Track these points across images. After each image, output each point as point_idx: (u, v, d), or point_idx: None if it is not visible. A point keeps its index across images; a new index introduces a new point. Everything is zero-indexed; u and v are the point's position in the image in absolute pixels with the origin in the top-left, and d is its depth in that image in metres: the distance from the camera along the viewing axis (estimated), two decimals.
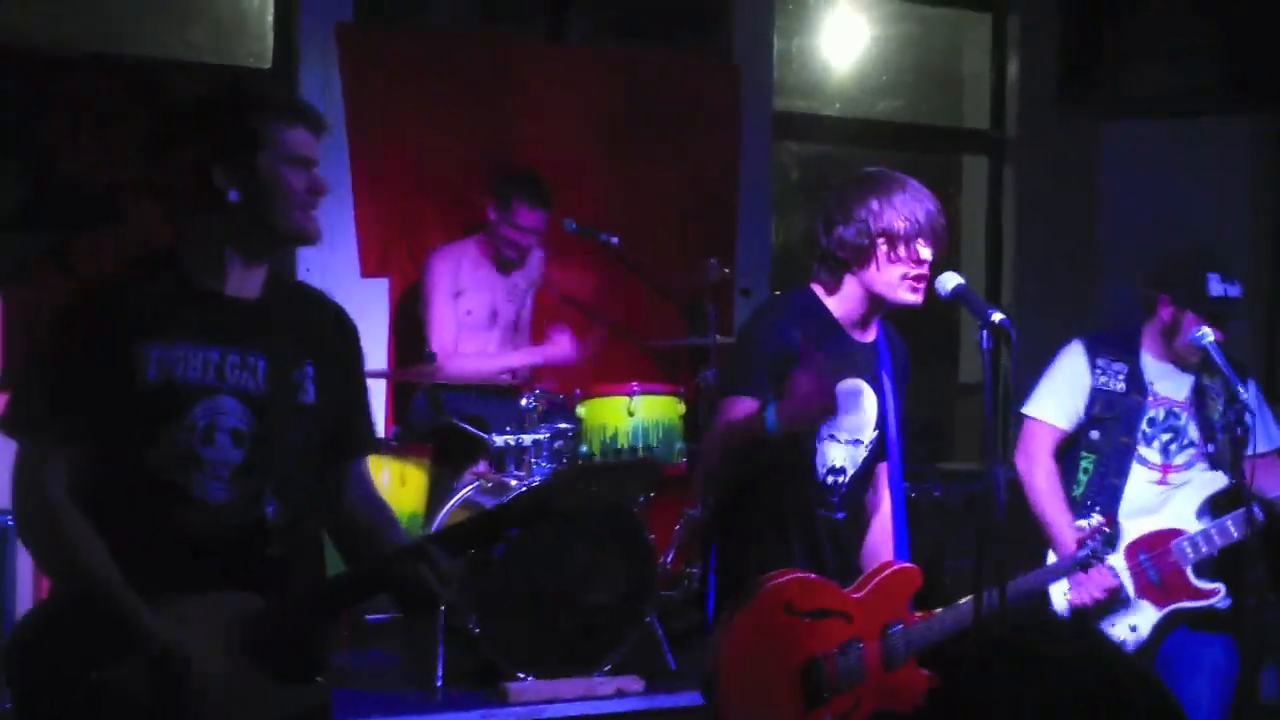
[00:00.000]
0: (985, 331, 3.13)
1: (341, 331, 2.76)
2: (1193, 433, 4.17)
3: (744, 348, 3.41)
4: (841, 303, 3.37)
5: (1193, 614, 4.11)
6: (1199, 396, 4.19)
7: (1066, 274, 7.25)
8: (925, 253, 3.29)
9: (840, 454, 3.39)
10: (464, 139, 6.16)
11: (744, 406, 3.23)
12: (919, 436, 5.67)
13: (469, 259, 5.68)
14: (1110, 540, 3.65)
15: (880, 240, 3.27)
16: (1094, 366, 4.19)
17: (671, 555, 5.70)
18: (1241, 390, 3.93)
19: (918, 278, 3.30)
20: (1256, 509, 3.97)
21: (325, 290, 2.80)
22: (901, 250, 3.28)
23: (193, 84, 5.85)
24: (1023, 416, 4.28)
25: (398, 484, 5.04)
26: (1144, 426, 4.15)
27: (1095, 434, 4.19)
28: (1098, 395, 4.18)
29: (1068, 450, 4.23)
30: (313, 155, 2.59)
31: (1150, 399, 4.17)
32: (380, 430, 5.89)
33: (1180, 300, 4.11)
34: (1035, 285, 7.33)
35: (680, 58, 6.75)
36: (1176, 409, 4.18)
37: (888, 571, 3.42)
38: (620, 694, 4.80)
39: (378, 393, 5.98)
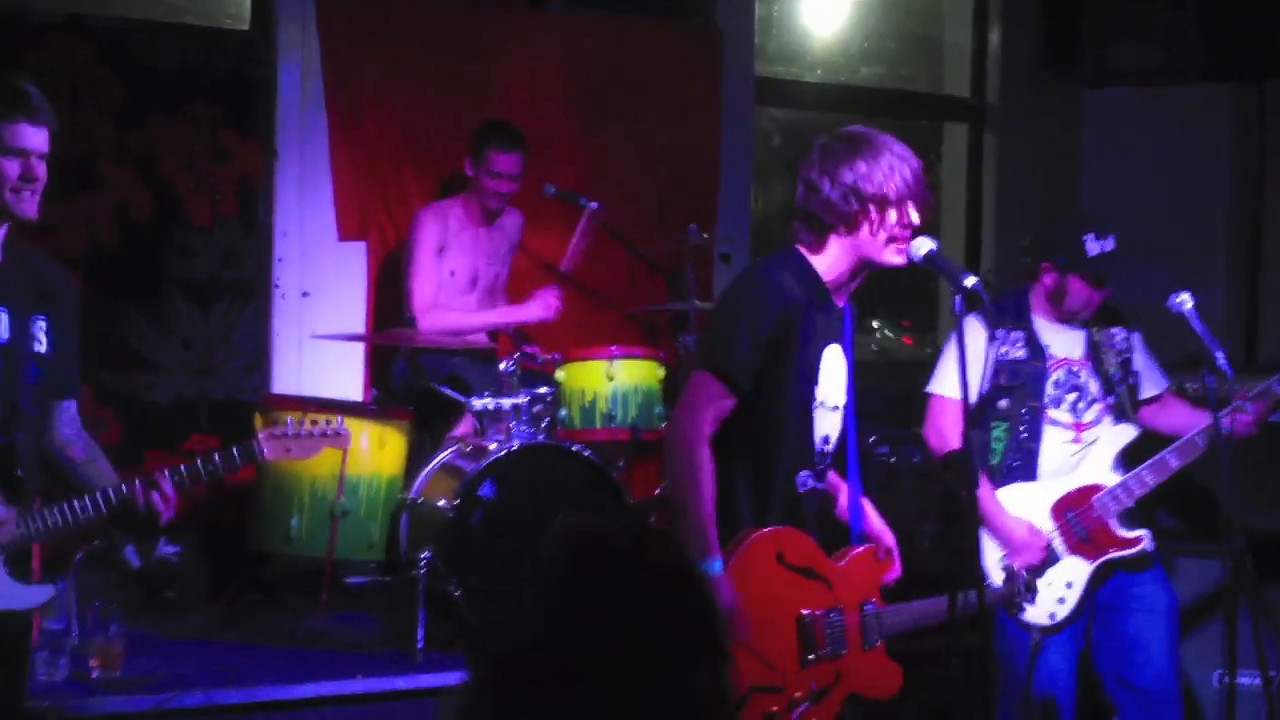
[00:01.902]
0: (959, 297, 3.15)
1: (66, 290, 3.25)
2: (1094, 388, 4.28)
3: (733, 318, 3.32)
4: (830, 267, 3.33)
5: (1124, 561, 4.23)
6: (1094, 350, 4.31)
7: None
8: (915, 215, 3.27)
9: (827, 421, 3.39)
10: (443, 103, 6.13)
11: (715, 390, 3.22)
12: (898, 403, 5.69)
13: (455, 218, 5.68)
14: (1030, 586, 3.77)
15: (871, 205, 3.24)
16: (992, 338, 4.25)
17: (652, 520, 5.71)
18: (1220, 356, 3.97)
19: (905, 240, 3.28)
20: (1170, 455, 4.16)
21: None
22: (892, 214, 3.25)
23: (170, 46, 5.81)
24: (928, 395, 4.34)
25: (377, 447, 5.02)
26: (1049, 389, 4.25)
27: (1004, 402, 4.27)
28: (1001, 366, 4.26)
29: (977, 421, 4.27)
30: (30, 145, 3.07)
31: (1049, 362, 4.27)
32: (359, 394, 5.90)
33: (1062, 265, 4.23)
34: (1015, 253, 7.33)
35: (661, 23, 6.72)
36: (1075, 367, 4.29)
37: (863, 549, 3.44)
38: None
39: (356, 356, 5.98)
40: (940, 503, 5.34)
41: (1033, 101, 7.30)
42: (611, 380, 5.35)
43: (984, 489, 4.11)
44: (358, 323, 5.99)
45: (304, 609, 5.08)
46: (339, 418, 3.52)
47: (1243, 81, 7.02)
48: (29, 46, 5.54)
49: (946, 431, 4.26)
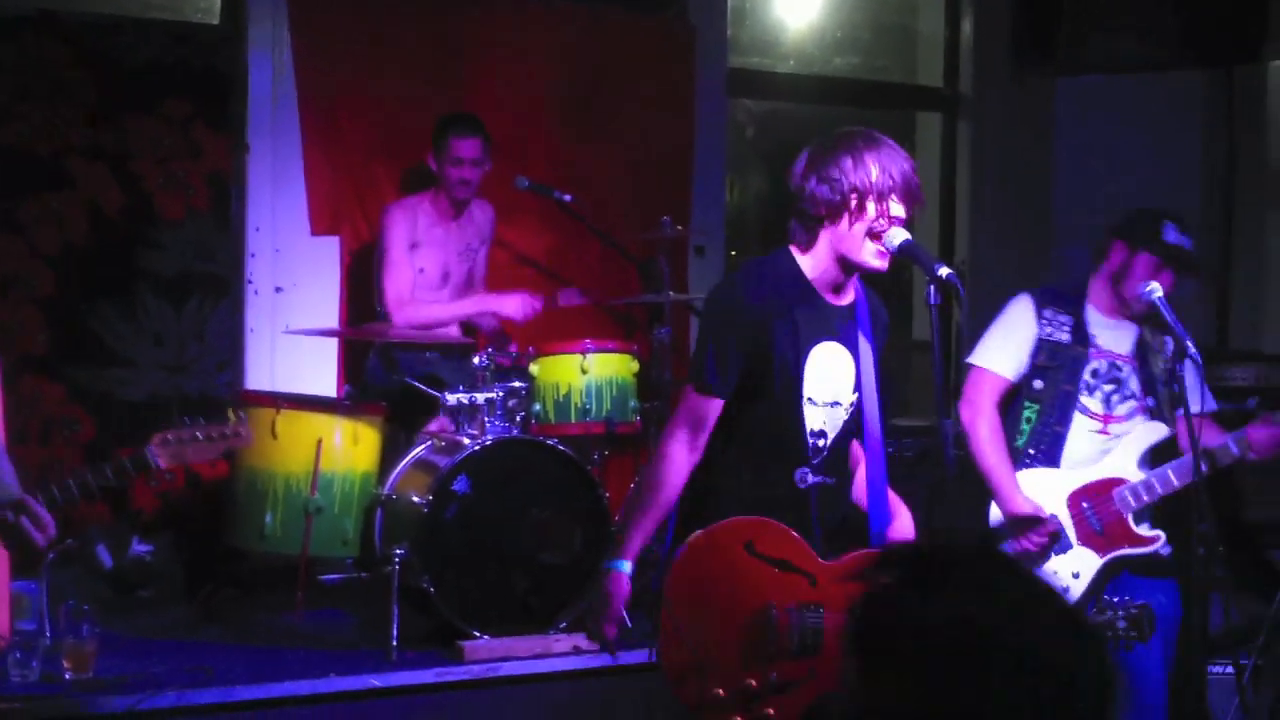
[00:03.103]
0: (933, 287, 3.15)
1: None
2: (1134, 385, 4.22)
3: (704, 327, 3.39)
4: (816, 263, 3.33)
5: (1135, 560, 4.17)
6: (1141, 350, 4.24)
7: (1020, 231, 7.28)
8: (897, 209, 3.25)
9: (818, 417, 3.36)
10: (416, 97, 6.11)
11: (693, 401, 3.26)
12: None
13: (424, 213, 5.67)
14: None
15: (852, 196, 3.23)
16: (1040, 317, 4.23)
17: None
18: (1190, 345, 3.97)
19: (878, 234, 3.25)
20: (1197, 460, 4.01)
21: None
22: (871, 207, 3.23)
23: (142, 42, 5.78)
24: (968, 366, 4.31)
25: (350, 443, 5.01)
26: (1086, 377, 4.21)
27: (1039, 383, 4.23)
28: (1042, 345, 4.22)
29: (1011, 400, 4.27)
30: None
31: (1093, 350, 4.22)
32: (333, 389, 5.88)
33: (1135, 242, 4.16)
34: (989, 242, 7.35)
35: (635, 15, 6.70)
36: (1119, 362, 4.23)
37: (869, 552, 3.36)
38: (576, 651, 4.80)
39: (330, 352, 5.96)
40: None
41: (1006, 91, 7.31)
42: (585, 373, 5.34)
43: (1002, 466, 4.11)
44: (331, 318, 5.98)
45: (279, 606, 5.08)
46: (241, 417, 3.40)
47: (1214, 69, 7.05)
48: (2, 42, 5.51)
49: (979, 403, 4.23)
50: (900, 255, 3.26)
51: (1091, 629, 1.63)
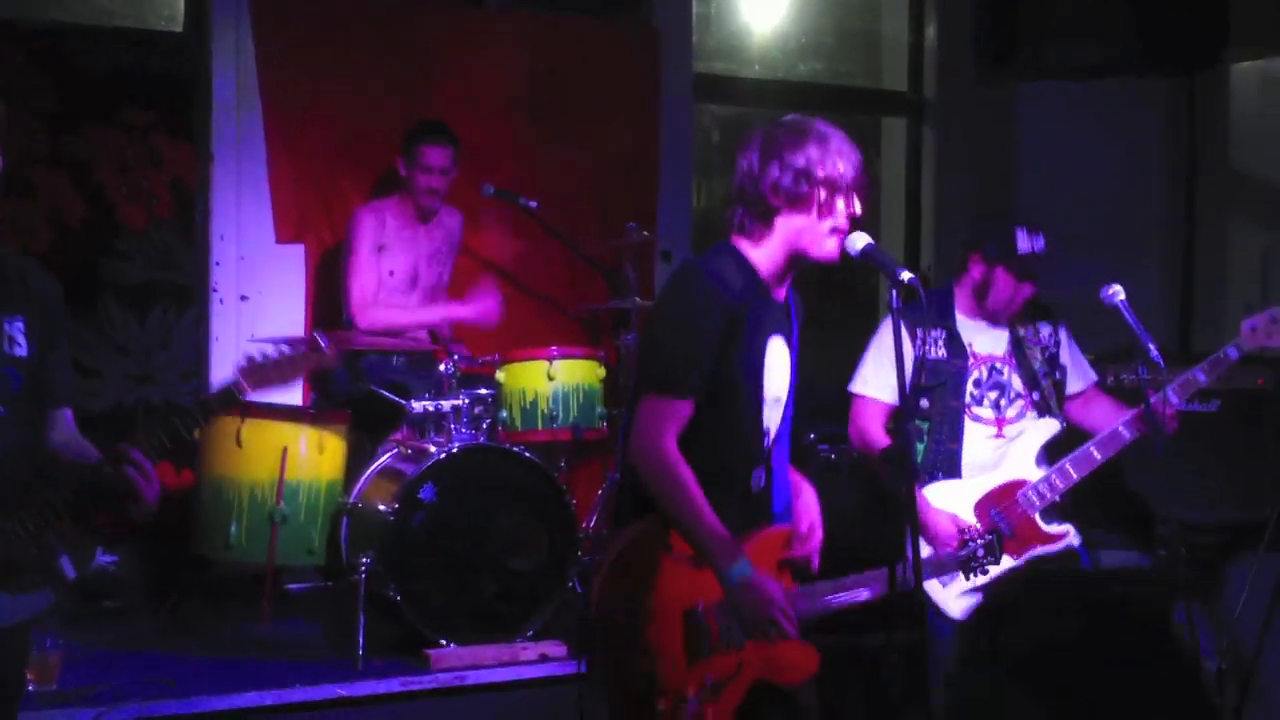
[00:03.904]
0: (894, 291, 3.14)
1: (48, 292, 3.00)
2: (1017, 384, 4.32)
3: (675, 327, 3.21)
4: (767, 257, 3.25)
5: (1051, 556, 4.23)
6: (1017, 348, 4.33)
7: None
8: (858, 206, 3.23)
9: (773, 415, 3.33)
10: (380, 103, 6.09)
11: (667, 409, 3.12)
12: (838, 397, 5.69)
13: (392, 217, 5.66)
14: (993, 549, 3.68)
15: (821, 189, 3.18)
16: (914, 336, 4.22)
17: (594, 520, 5.70)
18: (1152, 348, 4.00)
19: (844, 233, 3.21)
20: (1091, 449, 4.15)
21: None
22: (840, 202, 3.20)
23: (103, 49, 5.75)
24: (851, 394, 4.35)
25: (315, 452, 4.99)
26: (970, 388, 4.28)
27: (925, 402, 4.28)
28: (921, 365, 4.23)
29: (902, 420, 4.27)
30: None
31: (971, 359, 4.29)
32: (298, 398, 5.85)
33: (990, 257, 4.26)
34: (954, 247, 7.36)
35: (599, 21, 6.71)
36: (998, 364, 4.32)
37: (772, 530, 3.31)
38: (544, 659, 4.80)
39: None
40: (878, 498, 5.36)
41: (969, 95, 7.34)
42: (552, 380, 5.34)
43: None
44: (297, 326, 5.95)
45: (245, 616, 5.05)
46: (319, 334, 3.14)
47: (1175, 74, 7.09)
48: None
49: (868, 430, 4.28)
50: (862, 260, 3.24)
51: None
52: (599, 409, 5.43)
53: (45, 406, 2.99)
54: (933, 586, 4.18)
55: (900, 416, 3.24)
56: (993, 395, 4.29)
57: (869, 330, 4.50)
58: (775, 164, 3.20)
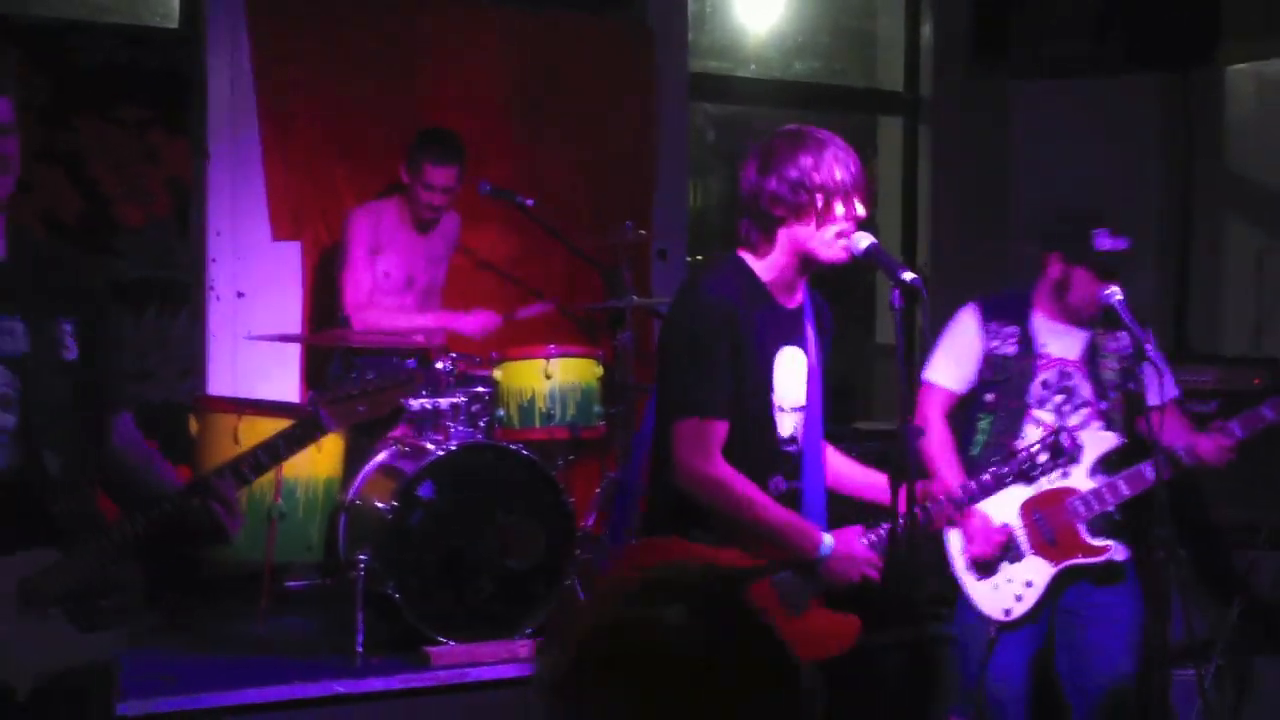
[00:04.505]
0: (897, 291, 3.16)
1: (94, 288, 2.82)
2: (1085, 392, 4.22)
3: (682, 349, 3.26)
4: (771, 266, 3.32)
5: (1090, 569, 4.18)
6: (1092, 354, 4.24)
7: (981, 234, 7.31)
8: (860, 208, 3.28)
9: (790, 423, 3.37)
10: (376, 100, 6.09)
11: (704, 429, 3.19)
12: (836, 396, 5.71)
13: (389, 218, 5.63)
14: (1059, 451, 3.60)
15: (819, 195, 3.23)
16: (985, 330, 4.23)
17: (593, 518, 5.71)
18: (1149, 346, 4.00)
19: (850, 234, 3.27)
20: (1159, 464, 4.03)
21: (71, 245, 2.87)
22: (839, 206, 3.24)
23: (98, 45, 5.74)
24: (921, 380, 4.34)
25: (314, 449, 4.94)
26: (1036, 389, 4.21)
27: (989, 396, 4.25)
28: (989, 359, 4.23)
29: (967, 412, 4.29)
30: None
31: (1040, 361, 4.22)
32: (296, 395, 5.85)
33: (1070, 256, 4.17)
34: (950, 245, 7.39)
35: (595, 19, 6.71)
36: (1068, 369, 4.23)
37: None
38: None
39: (292, 357, 5.93)
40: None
41: (965, 94, 7.36)
42: (549, 379, 5.34)
43: (950, 475, 4.08)
44: (294, 323, 5.95)
45: (243, 613, 5.04)
46: (409, 364, 2.97)
47: (1168, 71, 7.11)
48: None
49: (928, 416, 4.24)
50: (865, 259, 3.28)
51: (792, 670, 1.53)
52: (596, 407, 5.43)
53: (101, 411, 2.82)
54: (967, 580, 4.20)
55: (903, 417, 3.24)
56: (1058, 399, 4.20)
57: (867, 328, 4.51)
58: (773, 177, 3.27)
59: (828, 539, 3.28)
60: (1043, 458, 3.59)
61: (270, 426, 4.86)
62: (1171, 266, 7.10)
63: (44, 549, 2.57)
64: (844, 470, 3.56)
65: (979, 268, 6.95)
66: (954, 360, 4.27)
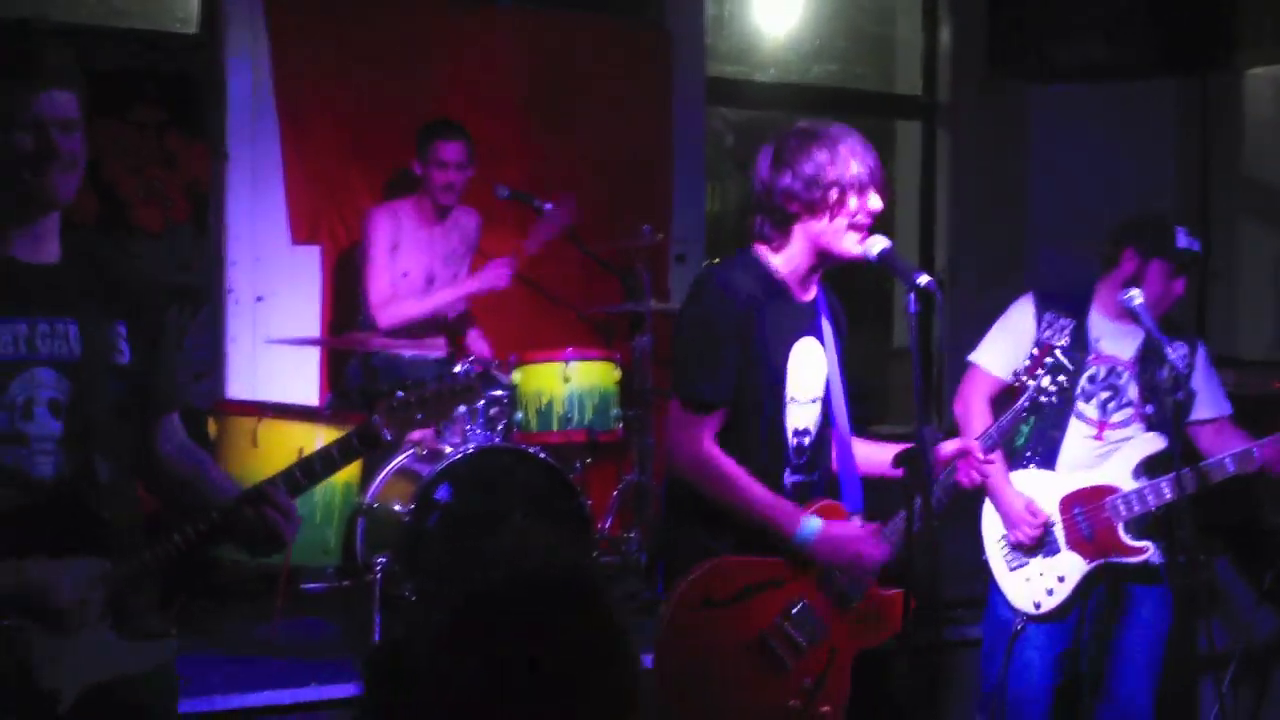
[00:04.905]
0: (912, 295, 3.16)
1: (147, 289, 2.76)
2: (1132, 392, 4.20)
3: (692, 337, 3.30)
4: (787, 261, 3.33)
5: (1124, 569, 4.18)
6: (1145, 356, 4.21)
7: (999, 238, 7.31)
8: (876, 202, 3.28)
9: (803, 415, 3.37)
10: (393, 103, 6.10)
11: (709, 416, 3.21)
12: (853, 400, 5.70)
13: (408, 217, 5.63)
14: (1059, 368, 3.56)
15: (833, 190, 3.23)
16: (1040, 320, 4.22)
17: (610, 521, 5.72)
18: (1170, 352, 3.99)
19: (865, 229, 3.28)
20: (1188, 474, 4.03)
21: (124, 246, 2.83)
22: (853, 200, 3.24)
23: (117, 50, 5.76)
24: (968, 363, 4.32)
25: None
26: (1083, 383, 4.19)
27: None
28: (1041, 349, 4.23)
29: (1014, 399, 4.28)
30: (47, 114, 2.55)
31: (1092, 356, 4.20)
32: (315, 398, 5.87)
33: (1147, 249, 4.16)
34: (968, 250, 7.38)
35: (612, 23, 6.72)
36: (1119, 368, 4.21)
37: (821, 503, 3.39)
38: None
39: (311, 361, 5.95)
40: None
41: (983, 98, 7.35)
42: (567, 382, 5.34)
43: (996, 462, 4.04)
44: (313, 326, 5.96)
45: (259, 616, 5.05)
46: (469, 365, 2.87)
47: (1187, 75, 7.09)
48: None
49: (971, 399, 4.24)
50: (880, 264, 3.28)
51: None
52: (614, 411, 5.44)
53: (152, 414, 2.76)
54: (999, 569, 4.20)
55: (919, 418, 3.24)
56: (1103, 396, 4.19)
57: (884, 333, 4.51)
58: (787, 172, 3.27)
59: (813, 521, 3.25)
60: (1045, 381, 3.54)
61: (290, 429, 4.94)
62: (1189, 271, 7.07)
63: (95, 557, 2.52)
64: (873, 456, 3.50)
65: (997, 271, 6.94)
66: (1005, 346, 4.25)
